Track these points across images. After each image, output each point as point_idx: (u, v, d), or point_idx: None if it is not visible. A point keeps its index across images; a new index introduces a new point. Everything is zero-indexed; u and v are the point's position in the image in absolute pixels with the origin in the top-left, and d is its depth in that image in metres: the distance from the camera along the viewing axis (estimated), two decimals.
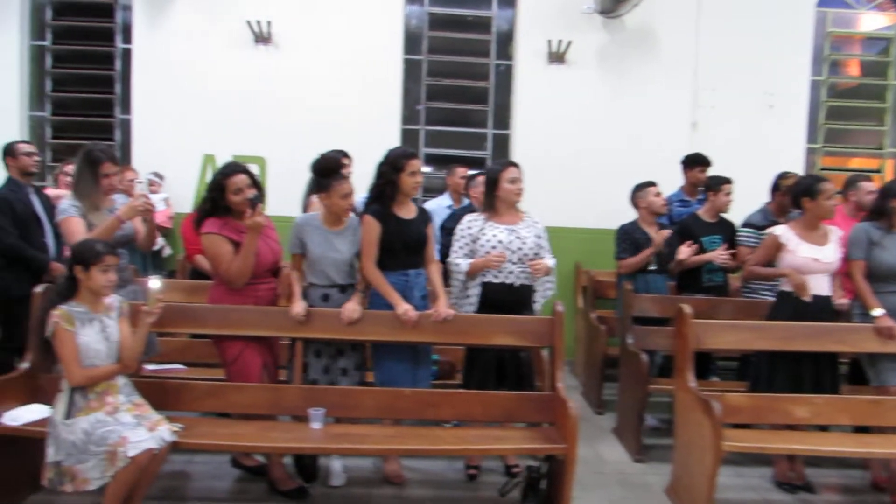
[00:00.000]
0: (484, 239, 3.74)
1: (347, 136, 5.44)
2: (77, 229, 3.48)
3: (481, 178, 4.75)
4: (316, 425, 3.35)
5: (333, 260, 3.58)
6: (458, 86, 6.73)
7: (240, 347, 3.50)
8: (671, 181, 5.45)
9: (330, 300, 3.59)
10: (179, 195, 6.26)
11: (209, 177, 6.23)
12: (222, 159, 6.22)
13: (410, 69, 6.65)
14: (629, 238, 4.75)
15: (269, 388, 3.50)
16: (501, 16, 6.76)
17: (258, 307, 3.54)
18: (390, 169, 3.57)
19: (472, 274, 3.73)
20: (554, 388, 3.46)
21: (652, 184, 4.83)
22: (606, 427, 4.75)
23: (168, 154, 6.28)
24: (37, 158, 4.49)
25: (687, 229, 4.77)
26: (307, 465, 3.73)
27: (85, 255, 3.03)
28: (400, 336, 3.53)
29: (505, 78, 6.75)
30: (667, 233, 4.69)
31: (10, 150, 4.38)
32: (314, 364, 3.61)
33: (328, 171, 3.74)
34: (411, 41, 6.63)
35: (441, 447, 3.31)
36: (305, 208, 4.26)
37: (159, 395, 3.37)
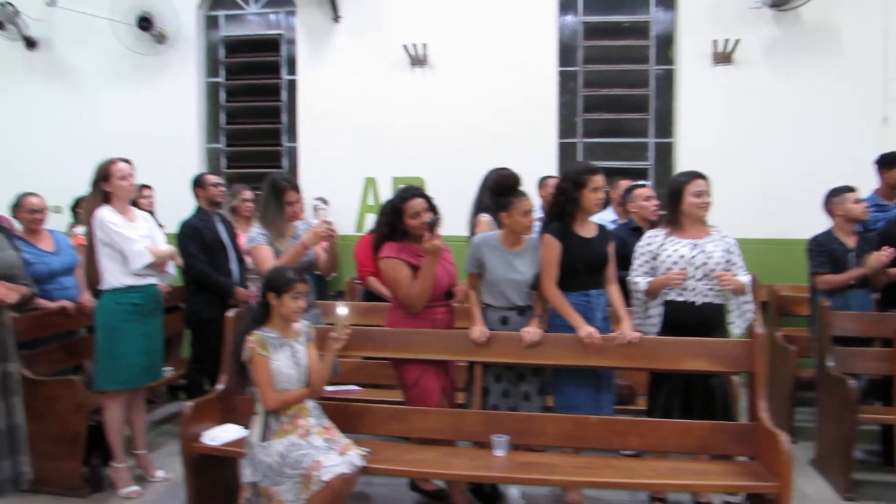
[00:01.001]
0: (665, 255, 3.52)
1: (505, 153, 5.37)
2: (266, 256, 3.61)
3: (640, 191, 4.52)
4: (499, 452, 3.26)
5: (513, 281, 3.49)
6: (616, 95, 6.50)
7: (419, 371, 3.48)
8: (860, 184, 4.93)
9: (509, 323, 3.50)
10: (343, 218, 6.44)
11: (370, 199, 6.44)
12: (383, 182, 6.47)
13: (566, 81, 6.50)
14: (825, 250, 4.33)
15: (451, 412, 3.45)
16: (660, 19, 6.47)
17: (436, 331, 3.52)
18: (571, 185, 3.43)
19: (651, 293, 3.52)
20: (757, 417, 3.17)
21: (850, 189, 4.38)
22: (802, 458, 4.32)
23: (332, 178, 6.49)
24: (222, 189, 4.75)
25: (891, 236, 4.28)
26: (487, 491, 3.66)
27: (278, 283, 3.12)
28: (583, 360, 3.37)
29: (665, 83, 6.44)
30: (887, 255, 4.14)
31: (200, 182, 4.66)
32: (494, 389, 3.53)
33: (506, 188, 3.66)
34: (566, 53, 6.48)
35: (638, 481, 3.10)
36: (473, 228, 4.21)
37: (343, 418, 3.41)
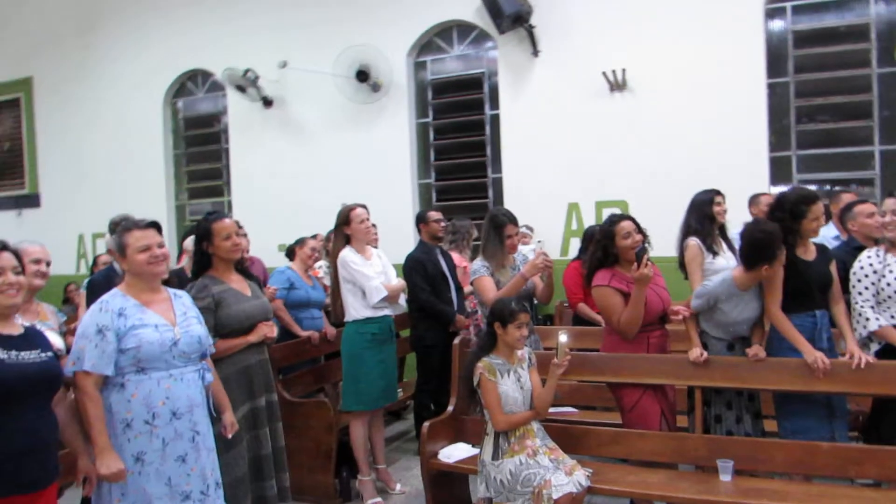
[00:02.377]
0: (891, 276, 3.35)
1: (711, 173, 5.32)
2: (488, 287, 3.92)
3: (861, 208, 4.23)
4: (725, 477, 3.26)
5: (747, 319, 3.51)
6: (833, 103, 6.14)
7: (637, 395, 3.58)
8: None
9: (734, 351, 3.52)
10: (548, 243, 6.66)
11: (574, 224, 6.60)
12: (586, 207, 6.61)
13: (775, 92, 6.25)
14: None
15: (672, 436, 3.51)
16: (882, 18, 6.01)
17: (651, 355, 3.59)
18: (789, 216, 3.38)
19: (882, 338, 3.35)
20: None
21: None
22: None
23: (536, 206, 6.74)
24: (443, 224, 5.16)
25: None
26: None
27: (502, 314, 3.39)
28: (810, 386, 3.28)
29: (890, 86, 5.97)
30: None
31: (423, 218, 5.10)
32: (727, 416, 3.53)
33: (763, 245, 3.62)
34: (774, 63, 6.24)
35: None
36: (682, 252, 4.22)
37: (565, 439, 3.58)
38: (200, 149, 8.86)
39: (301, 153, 7.84)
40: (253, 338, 3.34)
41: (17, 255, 2.42)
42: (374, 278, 4.16)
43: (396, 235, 6.64)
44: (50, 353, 2.42)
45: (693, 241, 4.03)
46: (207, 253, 3.37)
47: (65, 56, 9.35)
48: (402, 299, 4.49)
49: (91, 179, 9.26)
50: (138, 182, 8.88)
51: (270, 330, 3.41)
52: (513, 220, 4.06)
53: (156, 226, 2.81)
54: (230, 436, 3.03)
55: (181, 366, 2.71)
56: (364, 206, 4.31)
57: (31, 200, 9.91)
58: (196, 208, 8.94)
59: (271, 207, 7.83)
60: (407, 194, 7.40)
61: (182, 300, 2.88)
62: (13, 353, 2.29)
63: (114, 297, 2.69)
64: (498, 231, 4.02)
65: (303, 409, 4.38)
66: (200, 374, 2.80)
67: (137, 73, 8.82)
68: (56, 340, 3.16)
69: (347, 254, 4.18)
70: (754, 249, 3.32)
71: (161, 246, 2.77)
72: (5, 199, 10.15)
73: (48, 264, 3.34)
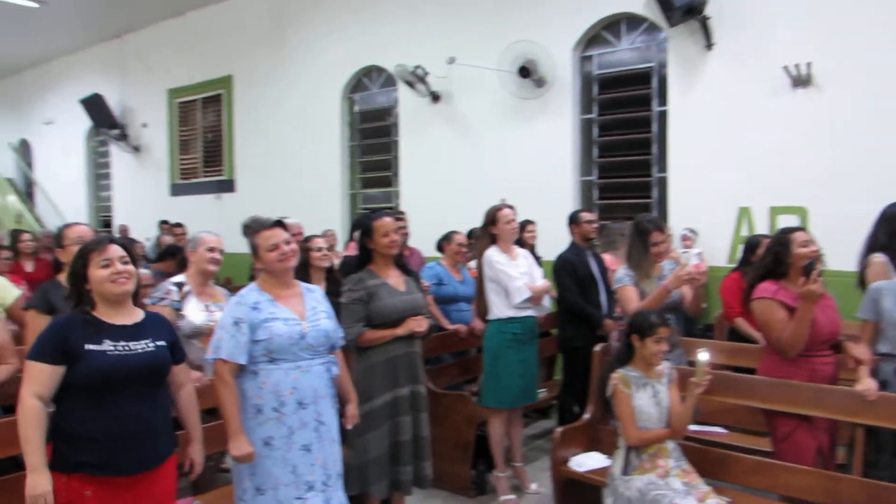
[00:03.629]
0: None
1: None
2: (631, 297, 3.79)
3: None
4: None
5: None
6: None
7: (792, 425, 3.29)
8: None
9: None
10: (713, 249, 6.31)
11: (745, 230, 6.18)
12: (759, 211, 6.16)
13: None
14: None
15: (825, 475, 3.20)
16: None
17: (813, 384, 3.28)
18: None
19: None
20: None
21: None
22: None
23: (702, 209, 6.40)
24: (595, 226, 5.06)
25: None
26: None
27: (641, 327, 3.28)
28: None
29: None
30: None
31: (575, 219, 5.03)
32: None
33: None
34: None
35: None
36: (864, 268, 3.80)
37: (703, 462, 3.40)
38: (373, 141, 9.30)
39: (464, 147, 7.99)
40: (400, 331, 3.50)
41: (125, 246, 2.53)
42: (517, 279, 4.18)
43: (556, 232, 6.56)
44: (160, 343, 2.53)
45: (879, 258, 3.64)
46: (368, 248, 3.57)
47: (259, 56, 10.20)
48: (547, 300, 4.47)
49: (277, 168, 10.07)
50: (317, 171, 9.53)
51: (418, 325, 3.54)
52: (659, 227, 3.89)
53: (280, 224, 3.00)
54: (350, 426, 3.19)
55: (308, 358, 2.88)
56: (511, 207, 4.33)
57: (228, 186, 10.95)
58: (368, 196, 9.43)
59: (434, 199, 8.07)
60: (568, 191, 7.29)
61: (314, 295, 3.06)
62: (121, 343, 2.42)
63: (250, 292, 2.92)
64: (643, 238, 3.88)
65: (445, 400, 4.50)
66: (327, 367, 2.97)
67: (320, 70, 9.43)
68: None
69: (492, 253, 4.23)
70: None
71: (288, 242, 2.94)
72: (208, 184, 11.29)
73: (221, 252, 3.70)
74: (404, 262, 3.75)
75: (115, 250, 2.48)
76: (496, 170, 7.59)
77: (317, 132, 9.53)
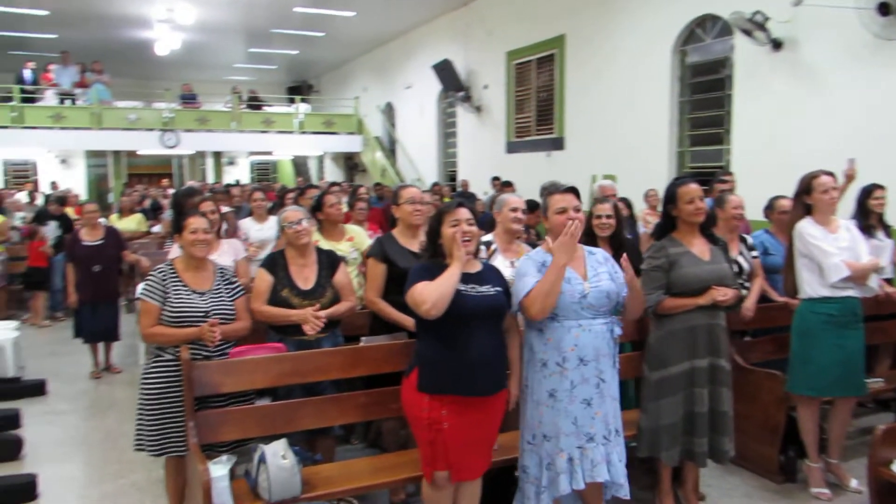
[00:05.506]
0: None
1: None
2: None
3: None
4: None
5: None
6: None
7: None
8: None
9: None
10: None
11: None
12: None
13: None
14: None
15: None
16: None
17: None
18: None
19: None
20: None
21: None
22: None
23: None
24: None
25: None
26: None
27: None
28: None
29: None
30: None
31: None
32: None
33: None
34: None
35: None
36: None
37: None
38: (704, 96, 8.80)
39: (809, 100, 7.17)
40: (702, 301, 3.40)
41: (472, 209, 2.96)
42: (834, 255, 3.69)
43: None
44: (499, 289, 2.94)
45: None
46: (672, 216, 3.52)
47: (591, 14, 10.25)
48: (874, 280, 3.88)
49: (604, 125, 10.11)
50: (643, 129, 9.36)
51: (723, 295, 3.41)
52: None
53: (573, 191, 3.08)
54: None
55: (590, 317, 2.97)
56: (830, 174, 3.83)
57: (558, 143, 11.31)
58: (697, 154, 9.00)
59: (770, 159, 7.41)
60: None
61: (595, 257, 3.12)
62: (471, 286, 2.86)
63: (537, 254, 3.11)
64: None
65: (753, 377, 4.23)
66: (609, 327, 3.02)
67: (650, 23, 9.16)
68: None
69: (805, 225, 3.80)
70: None
71: (577, 210, 3.03)
72: (540, 142, 11.80)
73: (524, 212, 3.92)
74: (710, 230, 3.59)
75: (464, 213, 2.94)
76: (846, 126, 6.69)
77: (645, 88, 9.33)
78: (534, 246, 4.00)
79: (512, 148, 12.62)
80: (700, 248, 3.48)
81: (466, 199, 11.64)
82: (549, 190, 3.17)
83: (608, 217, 4.18)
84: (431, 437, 2.85)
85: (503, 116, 12.77)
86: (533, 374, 3.05)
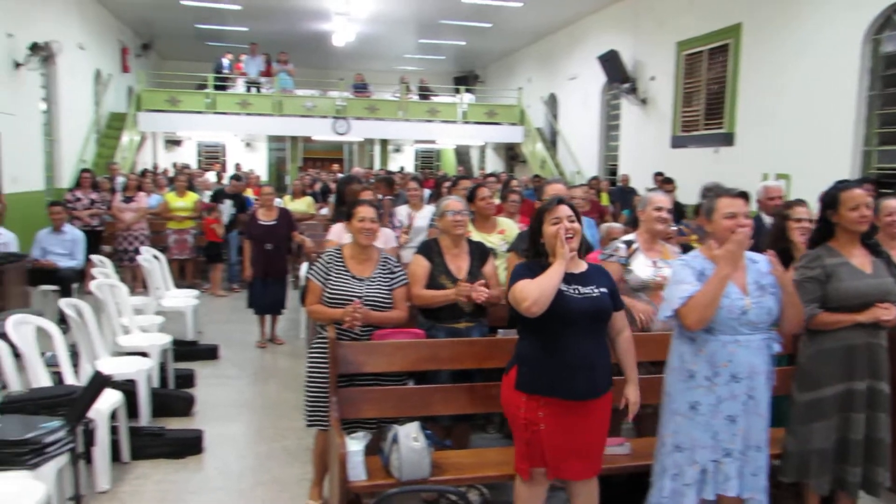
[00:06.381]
0: None
1: None
2: None
3: None
4: None
5: None
6: None
7: None
8: None
9: None
10: None
11: None
12: None
13: None
14: None
15: None
16: None
17: None
18: None
19: None
20: None
21: None
22: None
23: None
24: None
25: None
26: None
27: None
28: None
29: None
30: None
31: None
32: None
33: None
34: None
35: None
36: None
37: None
38: None
39: None
40: (862, 318, 3.13)
41: (572, 206, 2.89)
42: None
43: None
44: (603, 290, 2.82)
45: None
46: (831, 222, 3.27)
47: (772, 1, 9.57)
48: None
49: (780, 121, 9.44)
50: (824, 125, 8.64)
51: (887, 313, 3.12)
52: None
53: (744, 196, 2.90)
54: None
55: (748, 333, 2.82)
56: None
57: (728, 139, 10.71)
58: (885, 155, 8.17)
59: None
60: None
61: (758, 266, 2.92)
62: (574, 287, 2.77)
63: (695, 258, 2.96)
64: None
65: None
66: (767, 343, 2.86)
67: (838, 9, 8.42)
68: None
69: None
70: None
71: (747, 216, 2.85)
72: (708, 137, 11.23)
73: (670, 211, 3.77)
74: (873, 240, 3.28)
75: (565, 210, 2.84)
76: None
77: (828, 80, 8.59)
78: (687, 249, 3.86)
79: (677, 142, 12.11)
80: (860, 259, 3.19)
81: (627, 193, 11.35)
82: (716, 192, 3.00)
83: (810, 221, 3.78)
84: (528, 437, 2.80)
85: (669, 109, 12.27)
86: (676, 383, 2.95)
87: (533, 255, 2.92)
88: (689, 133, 11.82)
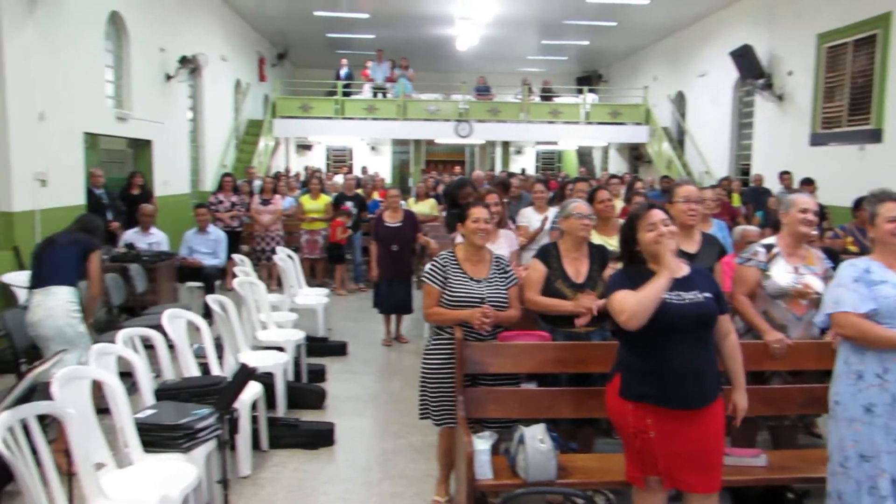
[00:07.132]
0: None
1: None
2: None
3: None
4: None
5: None
6: None
7: None
8: None
9: None
10: None
11: None
12: None
13: None
14: None
15: None
16: None
17: None
18: None
19: None
20: None
21: None
22: None
23: None
24: None
25: None
26: None
27: None
28: None
29: None
30: None
31: None
32: None
33: None
34: None
35: None
36: None
37: None
38: None
39: None
40: None
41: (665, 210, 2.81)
42: None
43: None
44: (707, 295, 2.71)
45: None
46: None
47: None
48: None
49: None
50: None
51: None
52: None
53: None
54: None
55: None
56: None
57: (875, 135, 9.96)
58: None
59: None
60: None
61: None
62: (676, 293, 2.66)
63: (860, 260, 2.88)
64: None
65: None
66: None
67: None
68: (816, 285, 3.44)
69: None
70: None
71: None
72: (852, 134, 10.49)
73: (815, 213, 3.56)
74: None
75: (657, 214, 2.76)
76: None
77: None
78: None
79: (817, 140, 11.38)
80: None
81: (760, 194, 10.79)
82: (881, 196, 2.89)
83: None
84: (639, 445, 2.71)
85: (809, 105, 11.55)
86: (845, 388, 2.81)
87: (626, 264, 2.86)
88: (830, 130, 11.09)
